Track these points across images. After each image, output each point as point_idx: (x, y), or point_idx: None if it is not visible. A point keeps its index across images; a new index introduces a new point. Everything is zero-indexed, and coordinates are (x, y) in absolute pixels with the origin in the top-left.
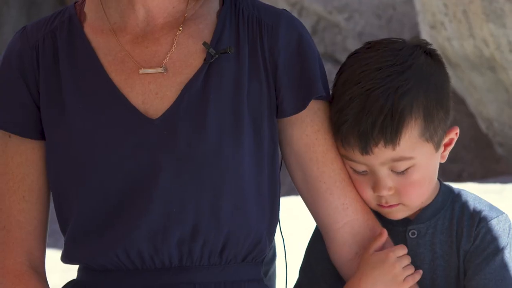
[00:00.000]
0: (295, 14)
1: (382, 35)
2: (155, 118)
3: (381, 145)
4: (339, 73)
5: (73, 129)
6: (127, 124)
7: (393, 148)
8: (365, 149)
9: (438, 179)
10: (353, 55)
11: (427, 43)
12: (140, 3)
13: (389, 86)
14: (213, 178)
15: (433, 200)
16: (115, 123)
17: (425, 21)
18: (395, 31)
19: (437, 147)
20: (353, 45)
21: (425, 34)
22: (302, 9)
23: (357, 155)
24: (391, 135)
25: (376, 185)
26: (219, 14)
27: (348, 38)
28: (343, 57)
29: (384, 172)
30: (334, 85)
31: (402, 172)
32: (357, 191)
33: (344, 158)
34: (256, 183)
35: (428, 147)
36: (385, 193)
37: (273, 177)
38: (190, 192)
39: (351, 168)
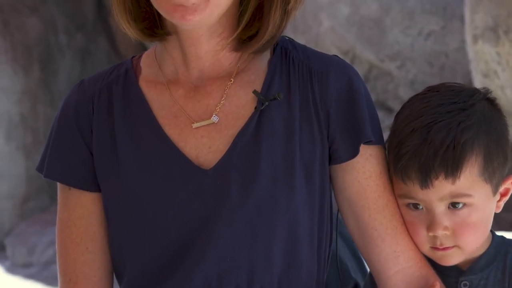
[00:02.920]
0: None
1: (434, 83)
2: (208, 169)
3: (441, 177)
4: (399, 112)
5: (128, 181)
6: (181, 176)
7: (453, 182)
8: (425, 182)
9: (490, 230)
10: (414, 96)
11: (487, 90)
12: (195, 63)
13: (451, 120)
14: (267, 226)
15: (486, 251)
16: (169, 175)
17: (477, 70)
18: (447, 79)
19: (494, 191)
20: (405, 93)
21: (478, 83)
22: (354, 57)
23: (416, 189)
24: (452, 167)
25: (431, 224)
26: (270, 63)
27: (400, 86)
28: (395, 105)
29: (441, 209)
30: (394, 123)
31: (459, 212)
32: (410, 238)
33: (401, 198)
34: (308, 230)
35: (486, 189)
36: (440, 232)
37: (323, 224)
38: (244, 240)
39: (407, 206)
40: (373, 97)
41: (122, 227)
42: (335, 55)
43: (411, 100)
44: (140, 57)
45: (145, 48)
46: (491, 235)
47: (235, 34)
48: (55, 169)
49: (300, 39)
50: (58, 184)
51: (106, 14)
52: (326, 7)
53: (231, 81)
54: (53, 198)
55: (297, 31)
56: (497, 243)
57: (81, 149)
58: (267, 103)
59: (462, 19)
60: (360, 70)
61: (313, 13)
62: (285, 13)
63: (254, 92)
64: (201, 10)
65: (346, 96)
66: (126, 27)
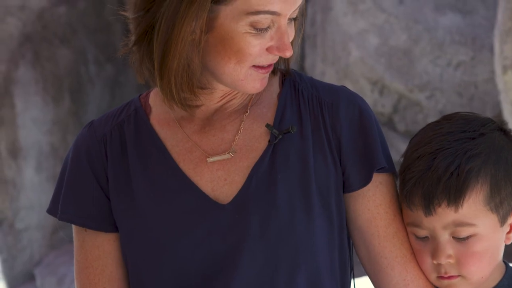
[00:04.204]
0: (376, 92)
1: None
2: (226, 203)
3: (444, 204)
4: (412, 138)
5: (145, 218)
6: (198, 211)
7: (456, 210)
8: (428, 209)
9: (504, 261)
10: (428, 124)
11: (503, 121)
12: (210, 101)
13: (458, 148)
14: (287, 256)
15: (498, 284)
16: (186, 210)
17: (507, 100)
18: (476, 110)
19: (502, 222)
20: None
21: (507, 113)
22: (384, 88)
23: (421, 216)
24: (455, 195)
25: (435, 252)
26: (280, 96)
27: (429, 116)
28: None
29: (445, 238)
30: (406, 149)
31: (464, 241)
32: (419, 266)
33: (409, 226)
34: (329, 258)
35: (492, 219)
36: (443, 260)
37: (343, 252)
38: (266, 271)
39: (413, 234)
40: (402, 127)
41: (142, 265)
42: (343, 86)
43: (424, 127)
44: (147, 95)
45: None
46: (504, 266)
47: None
48: (70, 211)
49: (329, 70)
50: (73, 226)
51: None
52: (355, 37)
53: (246, 113)
54: None
55: (326, 61)
56: (510, 276)
57: (96, 191)
58: (280, 136)
59: (491, 50)
60: (390, 100)
61: (342, 44)
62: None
63: (267, 125)
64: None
65: (357, 125)
66: (172, 102)
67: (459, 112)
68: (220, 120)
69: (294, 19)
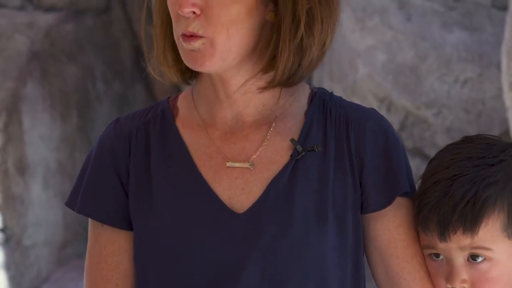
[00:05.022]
0: (383, 109)
1: (471, 130)
2: (241, 213)
3: (459, 232)
4: (430, 161)
5: (160, 220)
6: (213, 218)
7: (472, 237)
8: (443, 235)
9: None
10: (448, 145)
11: None
12: (227, 103)
13: (476, 175)
14: (297, 271)
15: None
16: (201, 216)
17: None
18: (484, 126)
19: None
20: (442, 140)
21: None
22: (391, 105)
23: (435, 241)
24: (471, 223)
25: (450, 276)
26: (307, 113)
27: (437, 133)
28: (431, 152)
29: (460, 261)
30: (424, 172)
31: (479, 266)
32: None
33: (424, 248)
34: (339, 277)
35: (509, 245)
36: (458, 285)
37: (356, 273)
38: (273, 285)
39: (429, 257)
40: (410, 144)
41: (151, 267)
42: (372, 108)
43: (444, 149)
44: (176, 98)
45: None
46: None
47: (256, 72)
48: (89, 205)
49: (336, 87)
50: (90, 220)
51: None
52: (362, 54)
53: (272, 126)
54: None
55: (333, 78)
56: None
57: (116, 188)
58: (303, 153)
59: (498, 67)
60: (397, 117)
61: (349, 61)
62: (301, 50)
63: (292, 140)
64: (209, 56)
65: (382, 147)
66: (166, 69)
67: (481, 135)
68: (242, 129)
69: None
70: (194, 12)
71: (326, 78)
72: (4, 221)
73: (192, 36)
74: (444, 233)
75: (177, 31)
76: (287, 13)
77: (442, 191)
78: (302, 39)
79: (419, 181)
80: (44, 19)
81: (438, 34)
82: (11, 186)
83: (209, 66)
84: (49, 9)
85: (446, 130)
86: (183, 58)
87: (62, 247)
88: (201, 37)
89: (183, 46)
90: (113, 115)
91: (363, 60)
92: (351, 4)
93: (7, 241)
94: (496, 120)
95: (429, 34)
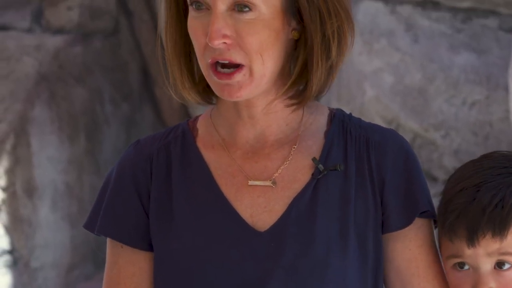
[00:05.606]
0: None
1: (479, 152)
2: (263, 231)
3: (488, 236)
4: (451, 175)
5: (181, 241)
6: (235, 236)
7: (501, 241)
8: (472, 240)
9: None
10: (466, 163)
11: None
12: (249, 124)
13: (501, 182)
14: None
15: None
16: (224, 235)
17: None
18: (492, 148)
19: None
20: (450, 162)
21: None
22: (399, 126)
23: (463, 248)
24: (500, 226)
25: (477, 284)
26: (327, 132)
27: (444, 155)
28: (439, 174)
29: (487, 268)
30: (445, 186)
31: (506, 273)
32: None
33: (448, 259)
34: None
35: None
36: None
37: None
38: None
39: (453, 267)
40: None
41: (175, 286)
42: (391, 128)
43: (463, 165)
44: (196, 119)
45: (189, 117)
46: None
47: (283, 91)
48: (109, 226)
49: (344, 109)
50: (109, 241)
51: (152, 84)
52: (370, 76)
53: (294, 146)
54: (97, 267)
55: (341, 100)
56: None
57: (137, 209)
58: (325, 172)
59: (506, 89)
60: None
61: (357, 83)
62: (330, 68)
63: (314, 160)
64: (246, 86)
65: (402, 167)
66: (186, 92)
67: (497, 151)
68: (263, 148)
69: (244, 7)
70: (224, 43)
71: (334, 100)
72: (12, 243)
73: (230, 73)
74: (473, 237)
75: (206, 59)
76: (317, 33)
77: (469, 197)
78: (331, 57)
79: (443, 191)
80: (53, 42)
81: (445, 56)
82: (19, 208)
83: (245, 95)
84: (58, 31)
85: (454, 152)
86: (215, 90)
87: (70, 269)
88: (239, 65)
89: (214, 79)
90: (121, 137)
91: (370, 82)
92: (358, 27)
93: (15, 263)
94: (503, 142)
95: (436, 56)
